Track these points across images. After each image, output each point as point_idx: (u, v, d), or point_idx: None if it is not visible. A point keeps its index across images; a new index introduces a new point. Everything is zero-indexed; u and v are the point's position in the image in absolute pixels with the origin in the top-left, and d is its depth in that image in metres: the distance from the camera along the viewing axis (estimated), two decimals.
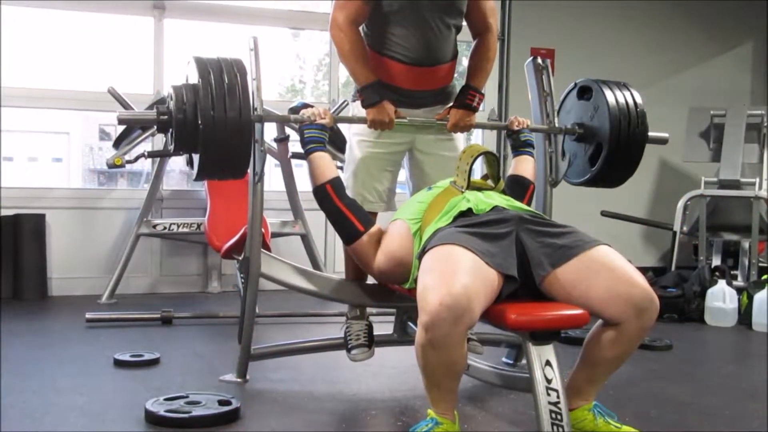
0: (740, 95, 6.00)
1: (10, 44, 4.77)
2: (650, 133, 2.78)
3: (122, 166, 3.93)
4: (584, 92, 2.85)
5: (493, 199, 2.22)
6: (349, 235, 2.41)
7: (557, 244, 2.05)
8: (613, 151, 2.71)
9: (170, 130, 2.38)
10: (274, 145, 4.32)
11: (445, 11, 2.63)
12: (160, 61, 4.97)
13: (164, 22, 4.97)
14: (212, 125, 2.28)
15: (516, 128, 2.75)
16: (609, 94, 2.73)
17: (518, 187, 2.62)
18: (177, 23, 5.05)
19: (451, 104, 2.73)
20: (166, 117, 2.35)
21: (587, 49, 5.67)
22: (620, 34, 5.93)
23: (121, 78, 5.39)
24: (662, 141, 2.91)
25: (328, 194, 2.42)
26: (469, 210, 2.17)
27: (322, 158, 2.48)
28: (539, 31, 5.68)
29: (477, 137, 5.79)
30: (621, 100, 2.73)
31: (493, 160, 2.44)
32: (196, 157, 2.41)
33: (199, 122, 2.28)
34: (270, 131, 4.38)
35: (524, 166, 2.72)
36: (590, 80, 2.82)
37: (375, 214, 2.70)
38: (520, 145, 2.76)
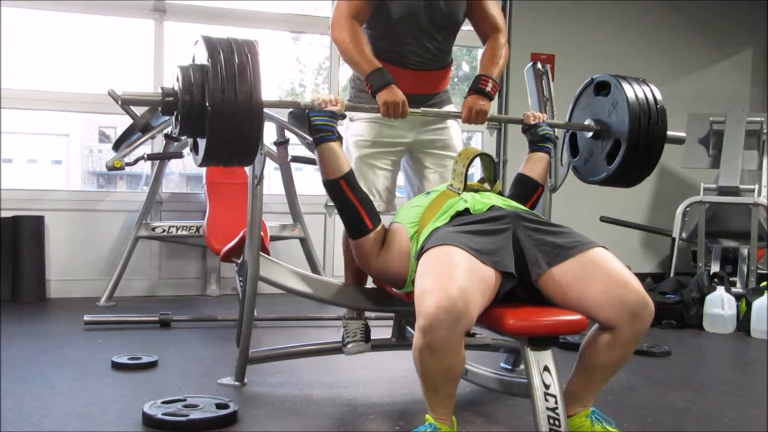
0: (739, 102, 6.01)
1: (11, 46, 4.77)
2: (668, 132, 2.67)
3: (122, 168, 3.91)
4: (601, 88, 2.72)
5: (489, 200, 2.22)
6: (357, 230, 2.37)
7: (554, 243, 2.05)
8: (632, 148, 2.57)
9: (175, 112, 2.24)
10: (274, 148, 4.33)
11: (443, 23, 2.65)
12: (161, 63, 4.97)
13: (164, 25, 4.98)
14: (221, 107, 2.14)
15: (532, 122, 2.66)
16: (629, 89, 2.60)
17: (524, 189, 2.57)
18: (177, 26, 5.05)
19: (450, 108, 2.73)
20: (171, 98, 2.21)
21: (587, 54, 5.68)
22: (620, 39, 5.95)
23: (121, 80, 5.41)
24: (679, 141, 2.80)
25: (342, 189, 2.37)
26: (466, 210, 2.18)
27: (333, 150, 2.37)
28: (539, 37, 5.69)
29: (477, 142, 5.80)
30: (641, 95, 2.61)
31: (489, 162, 2.43)
32: (201, 142, 2.27)
33: (207, 104, 2.13)
34: (270, 134, 4.38)
35: (537, 166, 2.61)
36: (608, 75, 2.69)
37: None
38: (538, 140, 2.64)
